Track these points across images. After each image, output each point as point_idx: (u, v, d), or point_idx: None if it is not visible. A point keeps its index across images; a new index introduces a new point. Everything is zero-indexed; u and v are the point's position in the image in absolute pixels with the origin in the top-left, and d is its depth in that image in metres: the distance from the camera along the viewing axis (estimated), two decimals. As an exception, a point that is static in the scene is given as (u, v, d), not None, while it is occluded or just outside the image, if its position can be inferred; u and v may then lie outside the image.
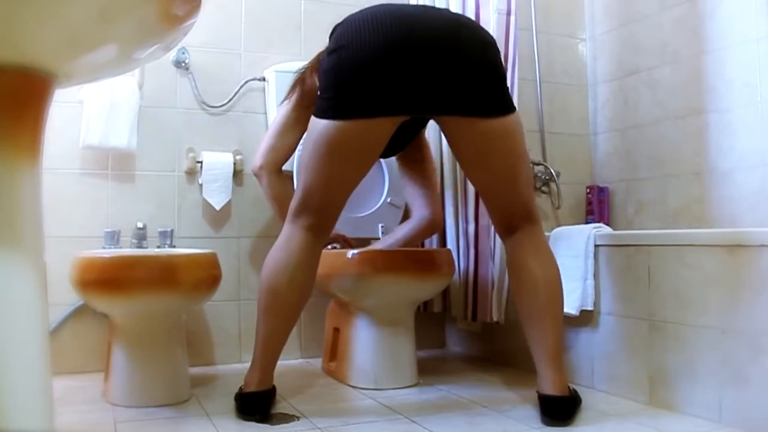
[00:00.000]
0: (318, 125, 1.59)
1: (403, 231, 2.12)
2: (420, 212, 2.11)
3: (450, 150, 1.76)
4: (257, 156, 1.97)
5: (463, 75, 1.55)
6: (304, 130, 1.74)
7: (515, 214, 1.67)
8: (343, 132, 1.56)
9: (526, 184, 1.68)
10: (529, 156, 1.70)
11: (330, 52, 1.59)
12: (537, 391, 1.62)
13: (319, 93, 1.62)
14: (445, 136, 1.72)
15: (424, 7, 1.68)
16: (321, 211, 1.65)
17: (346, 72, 1.54)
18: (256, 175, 1.99)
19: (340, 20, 1.64)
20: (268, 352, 1.67)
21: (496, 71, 1.60)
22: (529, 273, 1.64)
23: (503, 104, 1.60)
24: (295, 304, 1.66)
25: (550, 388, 1.57)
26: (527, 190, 1.68)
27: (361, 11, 1.61)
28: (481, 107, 1.58)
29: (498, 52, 1.62)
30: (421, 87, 1.54)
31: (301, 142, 1.86)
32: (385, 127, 1.60)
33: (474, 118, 1.58)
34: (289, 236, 1.65)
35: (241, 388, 1.67)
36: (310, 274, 1.67)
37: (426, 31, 1.55)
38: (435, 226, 2.12)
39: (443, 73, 1.54)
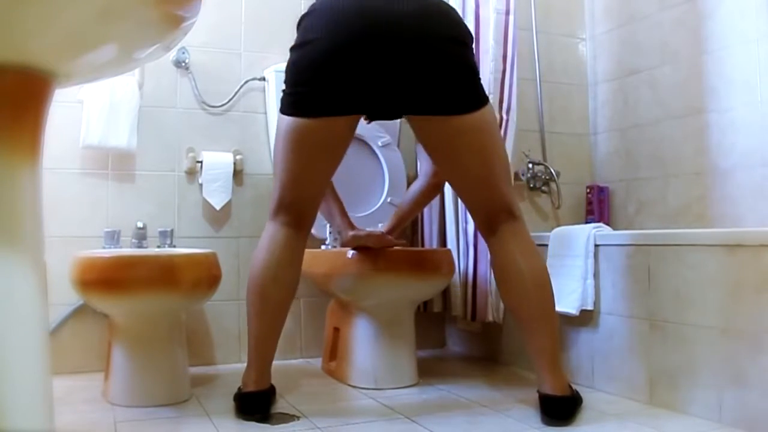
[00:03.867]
0: (283, 122, 1.61)
1: (411, 190, 2.04)
2: (425, 167, 1.99)
3: (423, 148, 1.72)
4: None
5: (430, 72, 1.51)
6: None
7: (495, 211, 1.64)
8: (307, 128, 1.57)
9: (503, 179, 1.65)
10: (505, 149, 1.69)
11: (293, 47, 1.60)
12: (537, 391, 1.62)
13: (283, 89, 1.63)
14: (415, 133, 1.71)
15: None
16: (297, 206, 1.65)
17: (306, 70, 1.54)
18: None
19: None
20: (261, 351, 1.66)
21: (464, 65, 1.55)
22: (518, 273, 1.60)
23: (474, 99, 1.57)
24: (282, 302, 1.66)
25: (550, 389, 1.57)
26: (506, 185, 1.65)
27: (326, 1, 1.56)
28: (450, 105, 1.55)
29: (467, 41, 1.58)
30: (383, 86, 1.52)
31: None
32: (348, 123, 1.60)
33: (443, 116, 1.56)
34: (270, 235, 1.66)
35: (239, 388, 1.68)
36: (295, 271, 1.67)
37: (390, 25, 1.49)
38: (439, 182, 1.98)
39: (408, 71, 1.50)
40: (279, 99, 1.99)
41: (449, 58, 1.53)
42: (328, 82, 1.52)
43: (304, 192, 1.66)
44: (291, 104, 1.58)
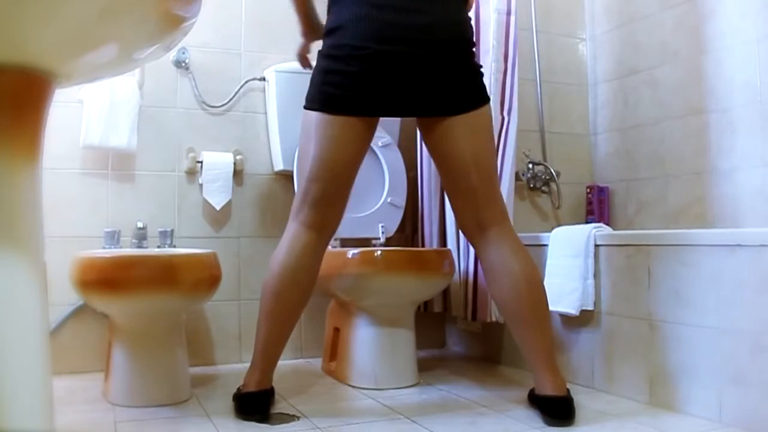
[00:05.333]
0: (311, 116, 1.63)
1: None
2: None
3: (426, 149, 1.75)
4: None
5: (441, 77, 1.59)
6: None
7: (491, 212, 1.66)
8: (337, 123, 1.60)
9: (497, 181, 1.71)
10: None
11: (327, 32, 1.63)
12: (535, 394, 1.62)
13: (313, 78, 1.65)
14: (422, 133, 1.72)
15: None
16: (322, 203, 1.64)
17: (338, 73, 1.58)
18: None
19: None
20: (269, 353, 1.67)
21: (476, 67, 1.65)
22: (511, 273, 1.61)
23: (480, 96, 1.66)
24: (297, 304, 1.66)
25: (550, 389, 1.57)
26: (499, 188, 1.71)
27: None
28: (459, 105, 1.63)
29: (468, 40, 1.64)
30: (402, 91, 1.59)
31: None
32: (373, 122, 1.65)
33: (452, 117, 1.63)
34: (293, 236, 1.65)
35: (239, 388, 1.68)
36: (313, 275, 1.67)
37: (419, 32, 1.57)
38: None
39: (423, 76, 1.58)
40: (279, 99, 1.99)
41: (466, 62, 1.63)
42: (366, 85, 1.57)
43: (330, 185, 1.64)
44: (323, 102, 1.60)
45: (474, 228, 1.68)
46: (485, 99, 1.67)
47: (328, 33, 1.63)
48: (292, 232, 1.66)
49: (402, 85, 1.58)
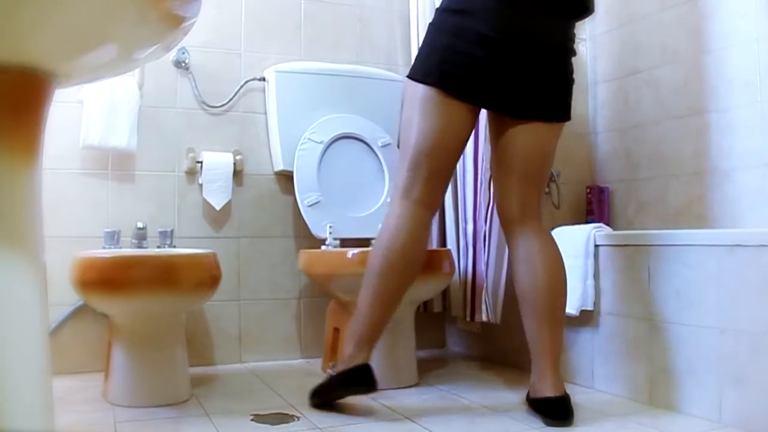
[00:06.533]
0: (418, 87, 1.62)
1: None
2: None
3: (491, 144, 1.75)
4: None
5: (544, 81, 1.62)
6: None
7: (533, 206, 1.68)
8: (445, 100, 1.59)
9: (544, 185, 1.76)
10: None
11: (452, 11, 1.61)
12: (534, 396, 1.62)
13: (426, 47, 1.63)
14: (497, 136, 1.70)
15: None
16: (435, 180, 1.62)
17: (464, 54, 1.56)
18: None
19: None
20: (378, 331, 1.63)
21: (566, 78, 1.67)
22: (537, 268, 1.62)
23: (566, 111, 1.69)
24: (409, 283, 1.63)
25: (552, 390, 1.57)
26: (543, 192, 1.75)
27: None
28: (550, 113, 1.66)
29: (572, 50, 1.68)
30: (510, 87, 1.59)
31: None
32: (473, 111, 1.64)
33: (547, 123, 1.65)
34: (409, 215, 1.61)
35: (333, 367, 1.66)
36: (424, 255, 1.65)
37: (531, 30, 1.58)
38: None
39: (530, 76, 1.59)
40: (279, 99, 1.97)
41: (565, 71, 1.67)
42: (486, 73, 1.56)
43: (440, 156, 1.61)
44: (440, 78, 1.58)
45: (516, 214, 1.68)
46: (569, 116, 1.70)
47: (453, 12, 1.61)
48: (407, 210, 1.62)
49: (512, 82, 1.58)
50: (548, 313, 1.61)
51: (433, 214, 1.67)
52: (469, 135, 1.67)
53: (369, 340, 1.63)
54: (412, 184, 1.62)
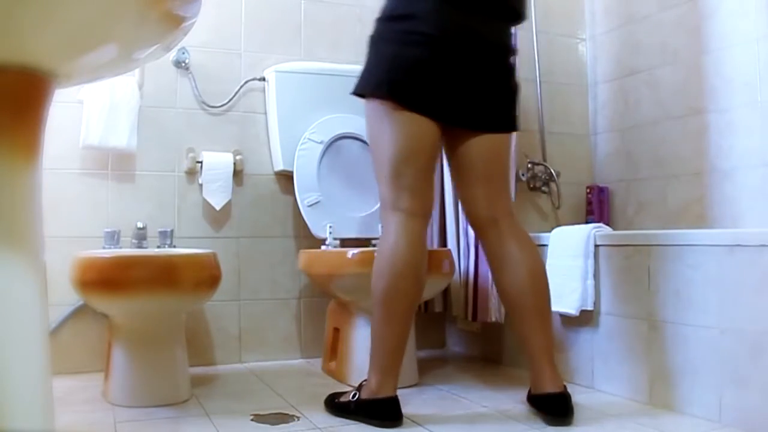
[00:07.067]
0: (374, 102, 1.62)
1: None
2: None
3: (447, 153, 1.74)
4: None
5: (489, 87, 1.62)
6: None
7: (503, 204, 1.68)
8: (399, 106, 1.58)
9: (509, 177, 1.79)
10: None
11: (394, 18, 1.60)
12: (533, 394, 1.62)
13: (372, 60, 1.63)
14: (452, 146, 1.70)
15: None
16: (416, 182, 1.59)
17: (408, 58, 1.56)
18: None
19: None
20: (399, 356, 1.59)
21: (510, 85, 1.69)
22: (517, 266, 1.62)
23: (514, 122, 1.71)
24: (419, 298, 1.61)
25: (551, 386, 1.57)
26: (510, 184, 1.78)
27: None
28: (500, 124, 1.67)
29: (511, 48, 1.70)
30: (465, 96, 1.59)
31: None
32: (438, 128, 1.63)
33: (494, 134, 1.66)
34: (402, 228, 1.57)
35: (357, 395, 1.60)
36: (426, 265, 1.62)
37: (473, 28, 1.58)
38: None
39: (475, 80, 1.59)
40: (279, 99, 1.96)
41: (509, 75, 1.69)
42: (425, 84, 1.56)
43: (418, 161, 1.59)
44: (389, 90, 1.57)
45: (486, 219, 1.67)
46: (517, 127, 1.72)
47: (396, 18, 1.60)
48: (400, 224, 1.58)
49: (459, 88, 1.58)
50: (536, 311, 1.61)
51: (428, 221, 1.64)
52: (440, 135, 1.64)
53: (392, 367, 1.59)
54: (397, 196, 1.59)
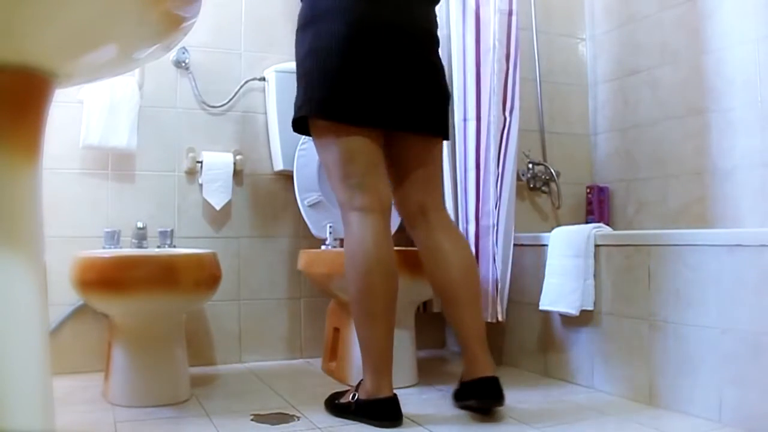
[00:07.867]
0: (312, 123, 1.66)
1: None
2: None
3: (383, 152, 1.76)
4: None
5: (422, 91, 1.66)
6: None
7: (433, 197, 1.74)
8: (330, 121, 1.62)
9: (441, 170, 1.89)
10: None
11: (307, 23, 1.63)
12: (467, 379, 1.62)
13: (299, 81, 1.66)
14: (387, 143, 1.71)
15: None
16: (369, 179, 1.60)
17: (326, 65, 1.58)
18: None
19: None
20: (388, 354, 1.59)
21: (441, 87, 1.73)
22: (449, 256, 1.66)
23: (446, 129, 1.77)
24: (396, 292, 1.61)
25: (486, 370, 1.59)
26: (441, 176, 1.87)
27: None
28: (441, 128, 1.73)
29: (436, 37, 1.73)
30: (392, 101, 1.61)
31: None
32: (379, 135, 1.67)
33: (430, 137, 1.72)
34: (360, 225, 1.58)
35: (356, 396, 1.60)
36: (394, 258, 1.61)
37: (388, 18, 1.59)
38: None
39: (408, 86, 1.62)
40: (279, 99, 1.97)
41: (441, 88, 1.73)
42: (350, 92, 1.59)
43: (363, 157, 1.60)
44: (316, 108, 1.61)
45: (416, 212, 1.73)
46: (448, 136, 1.80)
47: (308, 24, 1.62)
48: (357, 222, 1.59)
49: (383, 85, 1.59)
50: (467, 301, 1.65)
51: (387, 217, 1.63)
52: (380, 132, 1.65)
53: (384, 367, 1.58)
54: (351, 195, 1.60)
